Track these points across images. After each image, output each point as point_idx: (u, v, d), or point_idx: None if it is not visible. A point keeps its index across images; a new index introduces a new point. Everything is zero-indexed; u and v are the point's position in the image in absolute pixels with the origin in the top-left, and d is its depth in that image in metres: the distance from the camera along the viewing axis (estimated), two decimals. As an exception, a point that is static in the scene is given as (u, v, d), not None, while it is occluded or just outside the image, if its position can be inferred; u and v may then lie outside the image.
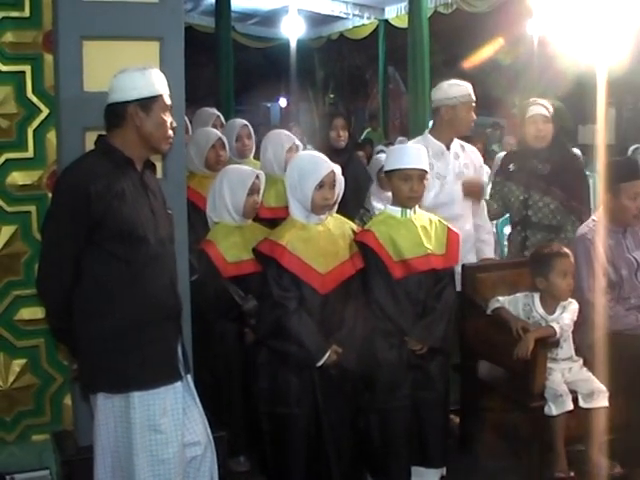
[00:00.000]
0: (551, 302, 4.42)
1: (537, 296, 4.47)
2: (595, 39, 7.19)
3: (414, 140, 5.24)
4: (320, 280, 3.94)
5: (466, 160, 5.15)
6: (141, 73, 3.28)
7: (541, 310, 4.42)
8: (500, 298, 4.51)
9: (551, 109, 5.29)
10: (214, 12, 12.08)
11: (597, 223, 4.79)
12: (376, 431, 4.11)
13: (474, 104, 5.09)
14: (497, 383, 4.55)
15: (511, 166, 5.41)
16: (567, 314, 4.35)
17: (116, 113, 3.28)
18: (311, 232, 4.00)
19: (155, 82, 3.30)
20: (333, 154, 4.99)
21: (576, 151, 6.44)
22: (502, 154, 7.04)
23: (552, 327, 4.27)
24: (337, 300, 3.99)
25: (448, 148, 5.08)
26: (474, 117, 5.12)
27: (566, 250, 4.50)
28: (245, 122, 5.79)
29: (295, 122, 13.98)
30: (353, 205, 4.38)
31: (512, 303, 4.51)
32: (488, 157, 8.88)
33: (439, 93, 5.10)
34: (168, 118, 3.32)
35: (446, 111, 5.03)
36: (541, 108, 5.25)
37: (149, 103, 3.26)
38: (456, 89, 5.06)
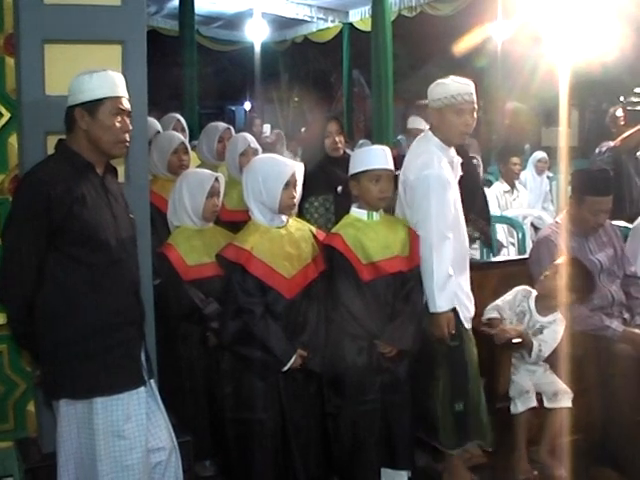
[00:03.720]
0: (546, 305, 4.47)
1: (533, 295, 4.54)
2: (558, 42, 7.26)
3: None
4: (286, 285, 3.93)
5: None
6: (89, 76, 3.23)
7: (533, 308, 4.48)
8: (499, 303, 4.55)
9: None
10: (178, 15, 12.05)
11: (560, 226, 4.83)
12: (346, 435, 4.09)
13: (471, 106, 4.24)
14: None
15: None
16: (556, 333, 4.39)
17: (68, 117, 3.27)
18: (274, 236, 4.00)
19: (103, 85, 3.24)
20: (330, 164, 4.98)
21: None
22: None
23: (530, 340, 4.33)
24: (301, 303, 3.99)
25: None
26: (468, 122, 4.23)
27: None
28: (228, 126, 5.86)
29: (260, 119, 13.94)
30: None
31: (510, 303, 4.55)
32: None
33: (428, 95, 4.31)
34: (119, 122, 3.26)
35: (432, 116, 4.32)
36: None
37: (95, 106, 3.22)
38: (441, 89, 4.24)
